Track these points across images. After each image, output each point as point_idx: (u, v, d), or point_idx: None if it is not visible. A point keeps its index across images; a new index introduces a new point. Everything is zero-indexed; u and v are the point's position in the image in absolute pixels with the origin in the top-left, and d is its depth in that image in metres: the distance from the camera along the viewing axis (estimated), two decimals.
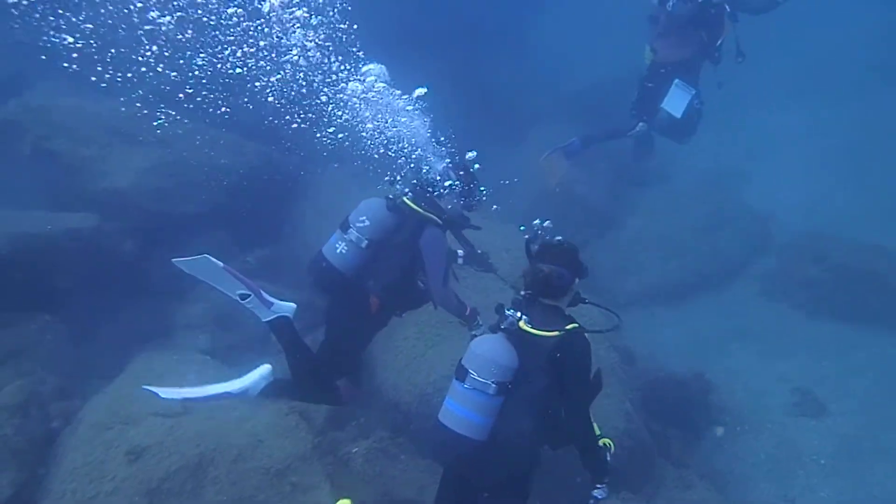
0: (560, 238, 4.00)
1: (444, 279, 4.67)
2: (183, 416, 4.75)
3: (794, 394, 7.12)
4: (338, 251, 4.59)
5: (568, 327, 3.64)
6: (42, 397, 5.55)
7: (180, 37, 6.28)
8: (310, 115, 6.57)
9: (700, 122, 8.48)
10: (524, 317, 3.72)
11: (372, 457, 4.77)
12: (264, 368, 4.48)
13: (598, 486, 3.67)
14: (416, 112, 5.17)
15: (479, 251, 5.24)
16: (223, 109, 9.46)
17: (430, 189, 4.73)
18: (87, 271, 6.88)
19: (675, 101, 8.04)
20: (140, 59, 6.91)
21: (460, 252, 5.00)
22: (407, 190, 4.74)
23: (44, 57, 7.02)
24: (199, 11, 6.06)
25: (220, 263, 4.51)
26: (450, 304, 4.73)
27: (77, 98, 8.39)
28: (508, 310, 3.77)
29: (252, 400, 4.39)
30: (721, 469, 6.43)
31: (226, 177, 8.38)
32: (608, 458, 3.74)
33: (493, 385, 3.59)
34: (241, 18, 5.95)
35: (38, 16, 6.50)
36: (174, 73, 7.06)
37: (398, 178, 4.84)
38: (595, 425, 3.76)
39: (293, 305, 4.63)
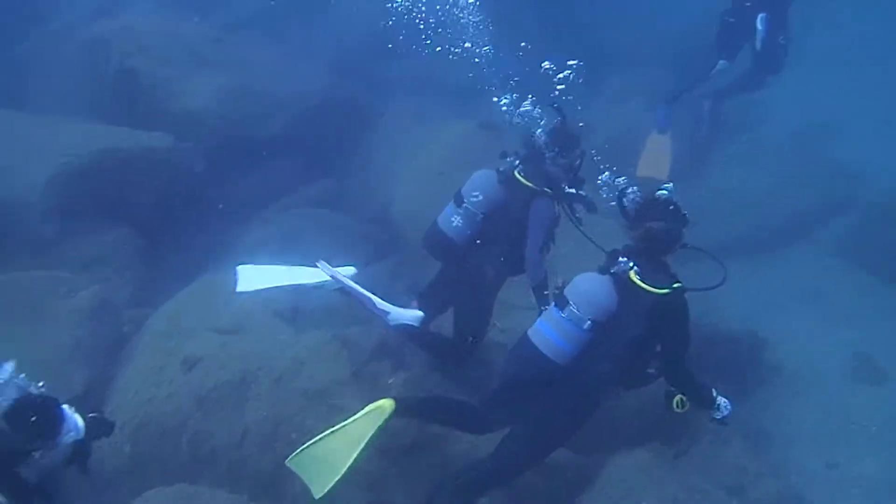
0: (663, 190, 4.05)
1: (541, 247, 4.72)
2: (233, 334, 5.06)
3: (854, 359, 6.85)
4: (453, 224, 4.78)
5: (675, 286, 3.77)
6: (116, 304, 6.00)
7: None
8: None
9: (785, 60, 7.94)
10: (635, 267, 3.84)
11: (407, 388, 4.96)
12: (418, 314, 4.81)
13: (714, 411, 4.04)
14: None
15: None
16: (301, 37, 9.65)
17: (538, 158, 4.80)
18: (161, 189, 7.31)
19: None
20: None
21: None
22: (518, 162, 4.83)
23: None
24: None
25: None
26: (537, 273, 4.75)
27: (162, 18, 8.68)
28: (622, 257, 3.89)
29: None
30: (764, 429, 6.34)
31: (298, 105, 8.58)
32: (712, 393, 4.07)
33: (589, 321, 3.77)
34: None
35: None
36: None
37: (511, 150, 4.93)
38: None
39: (418, 314, 4.87)
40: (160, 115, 7.92)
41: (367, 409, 4.00)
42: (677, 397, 3.96)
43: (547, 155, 4.79)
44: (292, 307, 6.33)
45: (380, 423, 3.96)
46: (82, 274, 6.22)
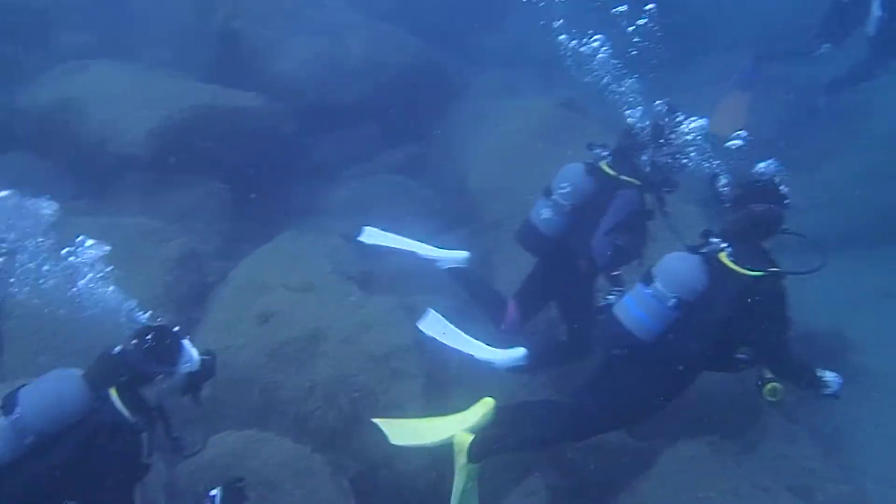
0: (765, 172, 4.08)
1: (611, 230, 4.71)
2: (306, 292, 5.29)
3: None
4: (542, 217, 4.85)
5: (771, 269, 3.75)
6: (202, 255, 6.36)
7: None
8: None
9: None
10: (728, 249, 3.84)
11: (468, 363, 5.08)
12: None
13: (824, 389, 4.03)
14: None
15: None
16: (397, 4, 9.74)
17: (629, 152, 4.84)
18: (252, 147, 7.61)
19: None
20: None
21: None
22: (606, 154, 4.87)
23: None
24: None
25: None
26: (602, 253, 4.72)
27: None
28: (714, 238, 3.91)
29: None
30: (839, 431, 6.12)
31: (387, 71, 8.72)
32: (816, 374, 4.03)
33: (674, 299, 3.80)
34: None
35: None
36: None
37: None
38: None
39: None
40: (256, 76, 8.24)
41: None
42: (770, 385, 3.94)
43: (651, 147, 4.77)
44: (364, 271, 6.55)
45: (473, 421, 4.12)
46: (174, 224, 6.57)
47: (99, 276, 4.11)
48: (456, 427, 4.21)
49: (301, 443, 4.65)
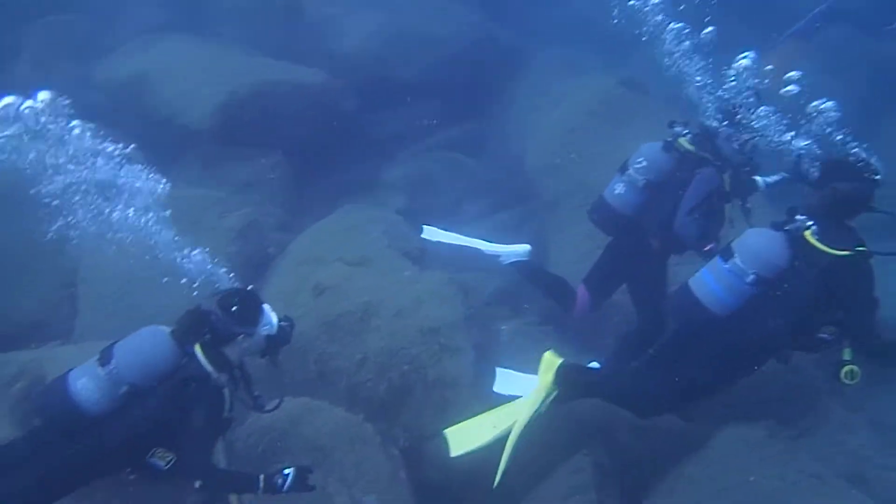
0: (854, 151, 4.02)
1: (692, 209, 4.63)
2: (361, 266, 5.40)
3: None
4: (616, 192, 4.76)
5: (858, 249, 3.68)
6: (263, 226, 6.54)
7: None
8: None
9: None
10: (814, 227, 3.79)
11: (517, 336, 5.13)
12: (523, 248, 5.04)
13: None
14: None
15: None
16: None
17: (710, 131, 4.75)
18: (313, 122, 7.76)
19: None
20: None
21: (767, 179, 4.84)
22: (686, 131, 4.79)
23: None
24: None
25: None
26: (688, 231, 4.62)
27: None
28: (800, 215, 3.85)
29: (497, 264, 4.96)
30: None
31: (448, 48, 8.72)
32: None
33: (752, 275, 3.78)
34: None
35: None
36: None
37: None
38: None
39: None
40: (319, 51, 8.37)
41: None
42: (847, 368, 3.85)
43: (734, 127, 4.67)
44: (419, 247, 6.63)
45: (539, 403, 4.13)
46: (237, 196, 6.79)
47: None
48: (519, 412, 4.22)
49: (353, 412, 4.79)
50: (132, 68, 8.00)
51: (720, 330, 3.88)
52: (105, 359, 3.35)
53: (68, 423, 3.32)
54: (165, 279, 5.22)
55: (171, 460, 3.35)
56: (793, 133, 4.51)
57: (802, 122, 4.51)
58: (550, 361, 4.14)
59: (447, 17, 8.96)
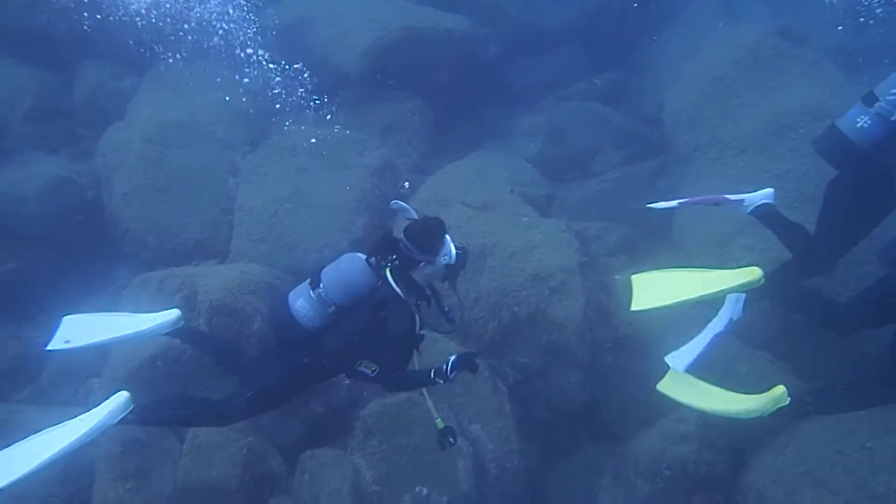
0: None
1: None
2: (482, 210, 5.61)
3: None
4: (858, 125, 4.31)
5: None
6: (399, 166, 6.90)
7: None
8: None
9: None
10: None
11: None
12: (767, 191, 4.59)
13: None
14: None
15: None
16: None
17: None
18: (455, 68, 7.95)
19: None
20: None
21: None
22: None
23: None
24: None
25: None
26: None
27: None
28: None
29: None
30: None
31: None
32: None
33: None
34: None
35: None
36: None
37: None
38: None
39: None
40: None
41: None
42: None
43: None
44: (547, 195, 6.72)
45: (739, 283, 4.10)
46: (377, 137, 7.19)
47: None
48: (711, 287, 4.17)
49: (464, 346, 5.09)
50: (298, 12, 8.49)
51: None
52: (315, 283, 3.90)
53: (293, 336, 3.93)
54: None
55: (374, 370, 3.83)
56: None
57: None
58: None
59: None
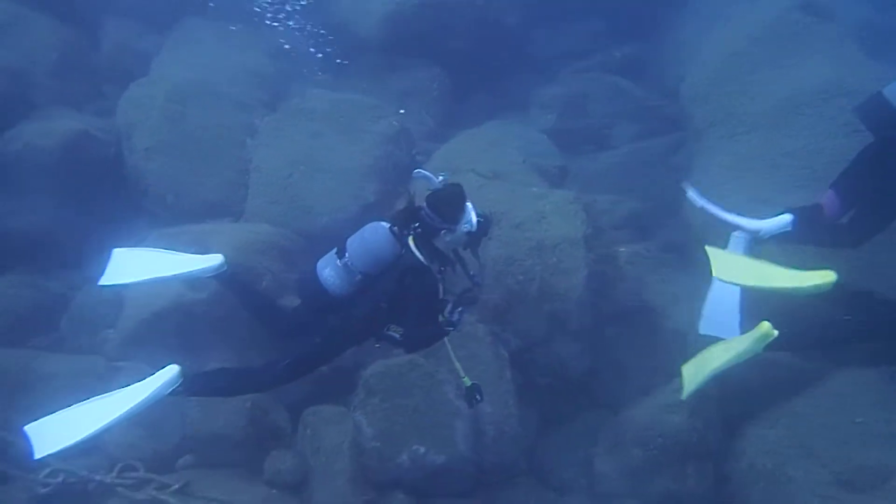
0: None
1: None
2: (492, 179, 5.66)
3: None
4: None
5: None
6: (413, 134, 6.93)
7: None
8: None
9: None
10: None
11: (635, 260, 5.18)
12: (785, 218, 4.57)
13: None
14: None
15: None
16: None
17: None
18: (475, 36, 7.93)
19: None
20: None
21: None
22: None
23: None
24: None
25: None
26: None
27: None
28: None
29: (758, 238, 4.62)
30: None
31: None
32: None
33: None
34: None
35: None
36: None
37: None
38: None
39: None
40: None
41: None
42: None
43: None
44: (561, 166, 6.74)
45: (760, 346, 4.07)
46: (394, 104, 7.20)
47: None
48: (787, 282, 4.14)
49: (470, 314, 5.17)
50: None
51: None
52: (341, 252, 4.00)
53: (324, 304, 4.05)
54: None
55: (402, 333, 3.95)
56: None
57: None
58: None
59: None
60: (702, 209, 4.69)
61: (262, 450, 4.76)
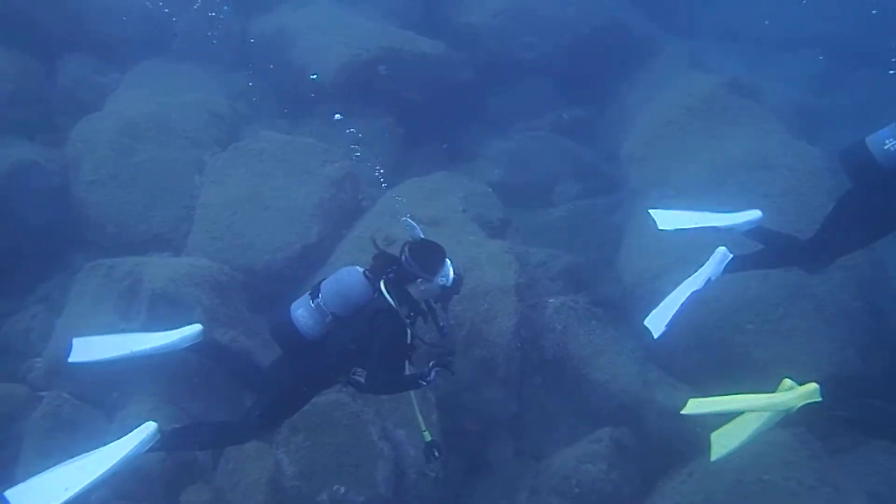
0: None
1: None
2: (432, 225, 5.76)
3: None
4: (885, 147, 4.44)
5: None
6: (360, 179, 7.06)
7: None
8: None
9: None
10: None
11: (562, 311, 5.32)
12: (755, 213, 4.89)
13: None
14: None
15: None
16: None
17: None
18: (428, 90, 8.20)
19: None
20: None
21: None
22: None
23: None
24: None
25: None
26: None
27: None
28: None
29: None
30: None
31: (570, 32, 8.83)
32: None
33: None
34: None
35: None
36: None
37: None
38: None
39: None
40: (445, 24, 8.75)
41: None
42: None
43: None
44: (503, 219, 6.93)
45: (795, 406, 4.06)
46: (346, 149, 7.37)
47: None
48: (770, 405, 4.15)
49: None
50: (280, 23, 8.75)
51: None
52: (314, 293, 4.08)
53: (295, 345, 4.11)
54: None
55: (365, 375, 4.02)
56: None
57: None
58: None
59: (579, 2, 9.03)
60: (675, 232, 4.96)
61: (178, 485, 4.69)
